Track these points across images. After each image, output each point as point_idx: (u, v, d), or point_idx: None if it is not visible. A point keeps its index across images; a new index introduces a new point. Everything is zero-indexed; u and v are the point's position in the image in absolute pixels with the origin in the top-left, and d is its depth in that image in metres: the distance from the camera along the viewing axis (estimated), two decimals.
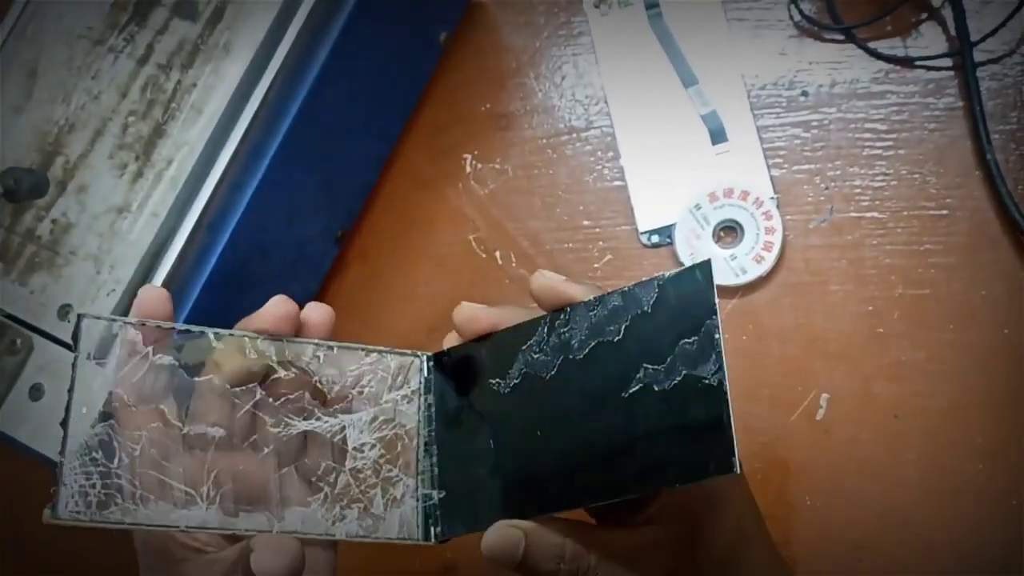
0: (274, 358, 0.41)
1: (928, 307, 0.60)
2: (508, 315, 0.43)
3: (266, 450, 0.41)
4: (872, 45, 0.64)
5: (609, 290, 0.40)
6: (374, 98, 0.64)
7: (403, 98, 0.67)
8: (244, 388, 0.41)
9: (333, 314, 0.43)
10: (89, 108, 0.54)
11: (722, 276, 0.61)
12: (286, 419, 0.41)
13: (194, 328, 0.40)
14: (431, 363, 0.44)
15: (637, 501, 0.41)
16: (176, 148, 0.53)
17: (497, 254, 0.66)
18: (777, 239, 0.61)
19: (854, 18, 0.64)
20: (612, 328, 0.39)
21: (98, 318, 0.39)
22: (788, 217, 0.62)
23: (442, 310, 0.44)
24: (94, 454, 0.37)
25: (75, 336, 0.38)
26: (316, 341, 0.42)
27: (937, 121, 0.62)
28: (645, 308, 0.38)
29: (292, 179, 0.57)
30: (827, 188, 0.62)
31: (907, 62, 0.63)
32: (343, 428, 0.42)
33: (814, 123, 0.63)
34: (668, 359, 0.37)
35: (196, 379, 0.40)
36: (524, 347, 0.42)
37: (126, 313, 0.48)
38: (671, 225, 0.63)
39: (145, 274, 0.52)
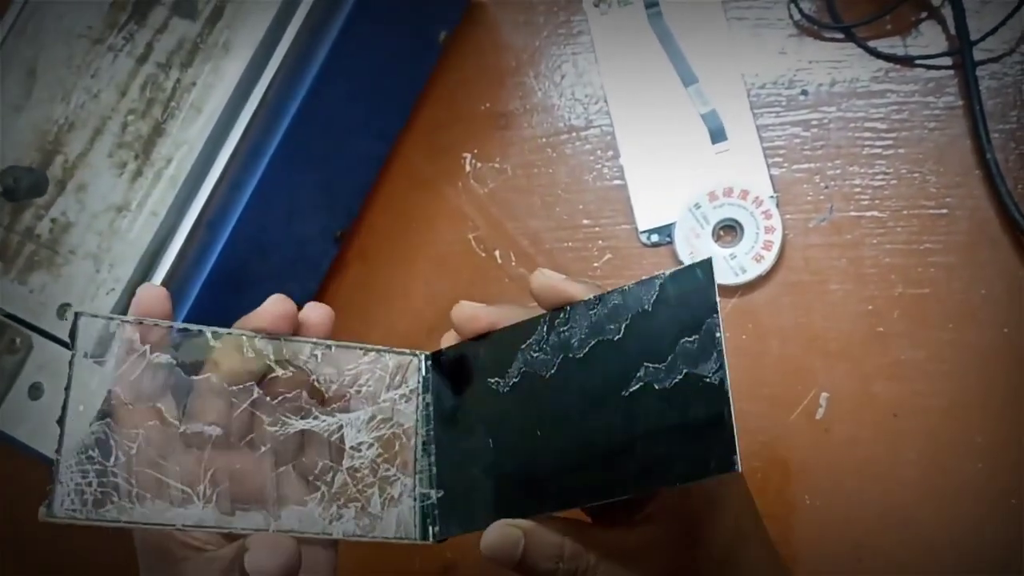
0: (272, 357, 0.41)
1: (928, 306, 0.60)
2: (507, 314, 0.43)
3: (263, 449, 0.41)
4: (872, 44, 0.64)
5: (609, 289, 0.40)
6: (373, 97, 0.64)
7: (402, 97, 0.67)
8: (241, 387, 0.41)
9: (332, 314, 0.43)
10: (88, 107, 0.54)
11: (722, 275, 0.61)
12: (283, 418, 0.41)
13: (192, 327, 0.40)
14: (429, 362, 0.44)
15: (636, 500, 0.41)
16: (175, 147, 0.53)
17: (496, 253, 0.65)
18: (777, 238, 0.61)
19: (854, 17, 0.64)
20: (612, 327, 0.39)
21: (95, 316, 0.39)
22: (788, 216, 0.62)
23: (441, 309, 0.44)
24: (91, 452, 0.37)
25: (72, 334, 0.38)
26: (314, 340, 0.42)
27: (937, 120, 0.62)
28: (646, 307, 0.38)
29: (291, 178, 0.57)
30: (827, 187, 0.62)
31: (907, 61, 0.63)
32: (340, 427, 0.42)
33: (814, 122, 0.63)
34: (669, 358, 0.37)
35: (193, 378, 0.40)
36: (523, 346, 0.42)
37: (125, 312, 0.47)
38: (671, 224, 0.63)
39: (144, 273, 0.52)
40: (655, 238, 0.64)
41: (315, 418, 0.42)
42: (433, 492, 0.43)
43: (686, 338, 0.37)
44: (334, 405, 0.42)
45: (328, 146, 0.60)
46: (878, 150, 0.62)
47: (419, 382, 0.44)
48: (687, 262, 0.61)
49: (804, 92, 0.64)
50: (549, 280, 0.41)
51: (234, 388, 0.40)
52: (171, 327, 0.40)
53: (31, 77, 0.55)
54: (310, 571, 0.41)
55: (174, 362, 0.40)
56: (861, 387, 0.60)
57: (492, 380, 0.42)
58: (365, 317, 0.66)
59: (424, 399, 0.44)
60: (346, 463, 0.42)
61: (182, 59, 0.54)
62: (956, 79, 0.62)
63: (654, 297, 0.38)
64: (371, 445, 0.42)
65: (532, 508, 0.39)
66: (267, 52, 0.54)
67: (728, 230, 0.63)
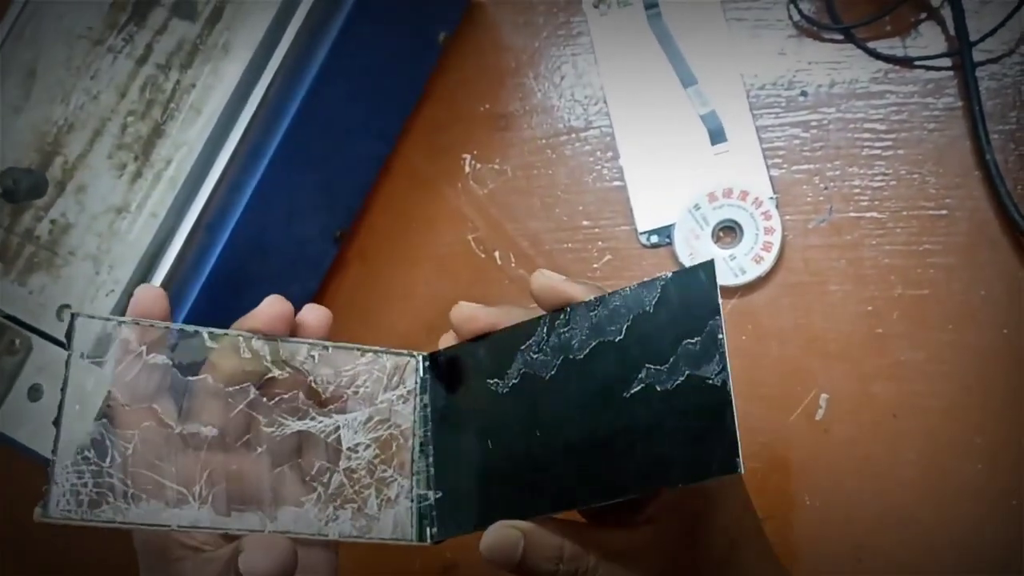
0: (268, 358, 0.41)
1: (927, 307, 0.60)
2: (506, 315, 0.43)
3: (260, 450, 0.41)
4: (871, 45, 0.64)
5: (609, 290, 0.40)
6: (373, 98, 0.64)
7: (402, 98, 0.67)
8: (238, 388, 0.41)
9: (330, 316, 0.43)
10: (88, 108, 0.54)
11: (721, 276, 0.61)
12: (280, 419, 0.41)
13: (188, 327, 0.40)
14: (427, 363, 0.44)
15: (635, 501, 0.41)
16: (175, 148, 0.53)
17: (496, 254, 0.66)
18: (776, 239, 0.61)
19: (853, 18, 0.64)
20: (613, 328, 0.39)
21: (91, 317, 0.39)
22: (787, 217, 0.62)
23: (441, 310, 0.44)
24: (86, 453, 0.37)
25: (68, 335, 0.38)
26: (311, 341, 0.42)
27: (936, 121, 0.62)
28: (647, 308, 0.38)
29: (291, 179, 0.57)
30: (826, 188, 0.62)
31: (906, 62, 0.63)
32: (337, 428, 0.42)
33: (813, 123, 0.63)
34: (671, 359, 0.37)
35: (190, 378, 0.40)
36: (523, 347, 0.42)
37: (124, 313, 0.47)
38: (670, 225, 0.63)
39: (144, 274, 0.52)
40: (655, 239, 0.64)
41: (312, 419, 0.42)
42: (431, 493, 0.42)
43: (688, 340, 0.37)
44: (331, 406, 0.42)
45: (328, 147, 0.60)
46: (877, 151, 0.62)
47: (417, 383, 0.44)
48: (687, 263, 0.62)
49: (803, 93, 0.64)
50: (549, 281, 0.41)
51: (231, 389, 0.40)
52: (168, 328, 0.40)
53: (31, 78, 0.55)
54: (310, 572, 0.41)
55: (170, 363, 0.40)
56: (861, 388, 0.60)
57: (491, 381, 0.42)
58: (365, 317, 0.66)
59: (422, 400, 0.44)
60: (343, 464, 0.42)
61: (182, 60, 0.54)
62: (955, 80, 0.62)
63: (655, 299, 0.38)
64: (368, 446, 0.42)
65: (532, 509, 0.39)
66: (266, 53, 0.54)
67: (728, 231, 0.63)
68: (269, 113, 0.54)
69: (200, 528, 0.39)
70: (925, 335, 0.60)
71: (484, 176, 0.67)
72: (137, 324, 0.40)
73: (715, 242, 0.63)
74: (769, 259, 0.61)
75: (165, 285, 0.51)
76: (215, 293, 0.54)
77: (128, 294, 0.51)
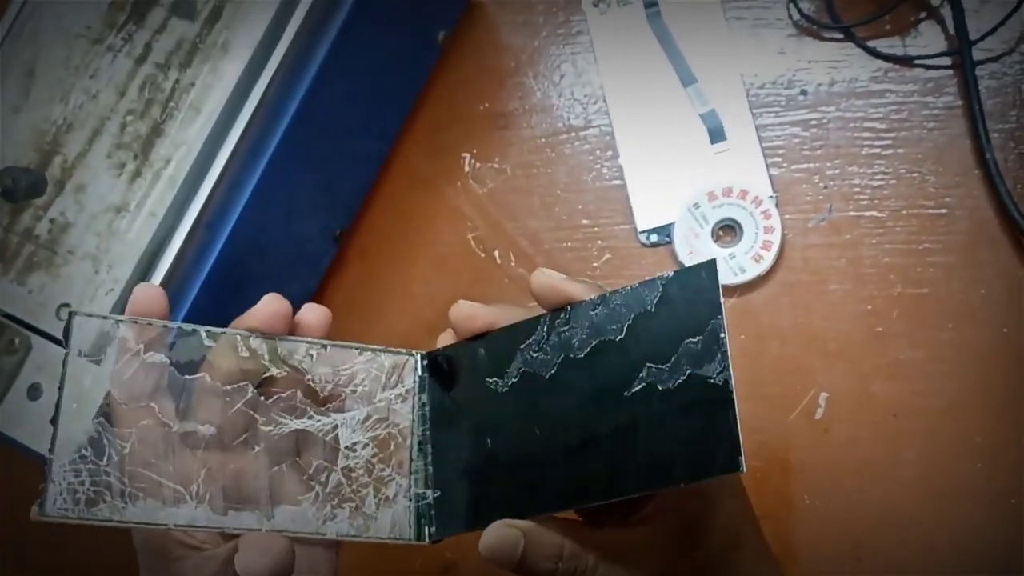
0: (266, 356, 0.41)
1: (927, 306, 0.60)
2: (506, 314, 0.43)
3: (257, 448, 0.41)
4: (871, 44, 0.63)
5: (609, 289, 0.40)
6: (373, 97, 0.64)
7: (402, 97, 0.67)
8: (236, 386, 0.40)
9: (329, 315, 0.43)
10: (87, 107, 0.54)
11: (721, 275, 0.60)
12: (278, 418, 0.41)
13: (186, 326, 0.40)
14: (426, 362, 0.44)
15: (634, 501, 0.41)
16: (174, 147, 0.53)
17: (496, 253, 0.65)
18: (776, 238, 0.61)
19: (853, 17, 0.64)
20: (614, 327, 0.39)
21: (89, 316, 0.39)
22: (787, 216, 0.62)
23: (441, 309, 0.44)
24: (84, 451, 0.37)
25: (66, 333, 0.38)
26: (309, 340, 0.42)
27: (936, 120, 0.62)
28: (648, 307, 0.38)
29: (291, 178, 0.57)
30: (826, 187, 0.62)
31: (906, 61, 0.63)
32: (335, 427, 0.42)
33: (813, 122, 0.63)
34: (672, 358, 0.37)
35: (187, 377, 0.40)
36: (523, 346, 0.41)
37: (123, 312, 0.47)
38: (670, 224, 0.63)
39: (143, 273, 0.52)
40: (654, 238, 0.64)
41: (310, 418, 0.42)
42: (429, 492, 0.42)
43: (689, 339, 0.37)
44: (329, 405, 0.42)
45: (327, 146, 0.60)
46: (877, 150, 0.62)
47: (415, 382, 0.44)
48: (686, 262, 0.62)
49: (803, 92, 0.64)
50: (549, 279, 0.41)
51: (229, 388, 0.40)
52: (166, 326, 0.40)
53: (30, 77, 0.55)
54: (310, 571, 0.41)
55: (168, 361, 0.40)
56: (860, 387, 0.60)
57: (491, 380, 0.42)
58: (365, 317, 0.66)
59: (420, 399, 0.44)
60: (341, 463, 0.42)
61: (181, 59, 0.54)
62: (955, 79, 0.62)
63: (657, 298, 0.38)
64: (366, 445, 0.42)
65: (531, 508, 0.39)
66: (266, 52, 0.54)
67: (727, 230, 0.63)
68: (268, 112, 0.54)
69: (197, 527, 0.39)
70: (925, 334, 0.60)
71: (484, 175, 0.67)
72: (135, 323, 0.40)
73: (715, 241, 0.62)
74: (769, 258, 0.61)
75: (165, 284, 0.51)
76: (214, 292, 0.54)
77: (127, 293, 0.51)
